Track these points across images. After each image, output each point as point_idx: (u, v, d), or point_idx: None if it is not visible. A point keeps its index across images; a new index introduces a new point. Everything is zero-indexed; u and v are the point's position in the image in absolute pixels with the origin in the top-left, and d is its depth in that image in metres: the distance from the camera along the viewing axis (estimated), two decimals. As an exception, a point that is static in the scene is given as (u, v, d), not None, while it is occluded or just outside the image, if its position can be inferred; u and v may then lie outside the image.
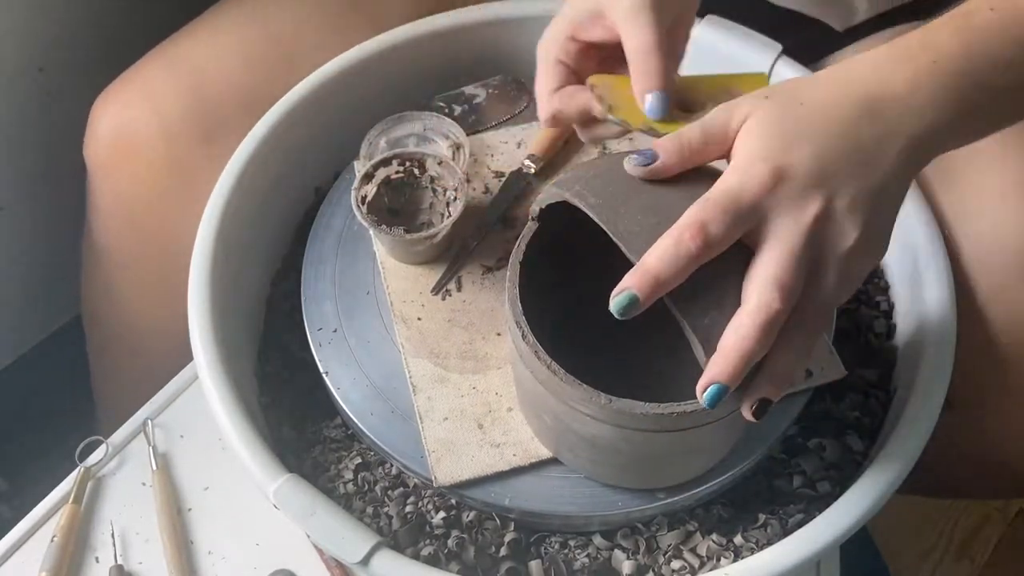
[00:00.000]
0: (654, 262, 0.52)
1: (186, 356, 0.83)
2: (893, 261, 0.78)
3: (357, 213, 0.71)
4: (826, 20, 0.85)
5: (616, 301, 0.52)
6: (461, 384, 0.69)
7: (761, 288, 0.52)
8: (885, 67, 0.55)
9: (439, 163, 0.73)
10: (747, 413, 0.55)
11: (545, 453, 0.66)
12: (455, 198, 0.73)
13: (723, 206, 0.52)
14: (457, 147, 0.77)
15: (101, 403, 1.07)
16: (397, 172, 0.73)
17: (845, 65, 0.56)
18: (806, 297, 0.53)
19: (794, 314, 0.53)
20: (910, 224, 0.75)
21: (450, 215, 0.72)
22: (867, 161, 0.54)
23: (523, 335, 0.59)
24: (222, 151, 0.82)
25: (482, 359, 0.70)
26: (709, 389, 0.52)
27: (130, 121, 0.84)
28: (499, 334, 0.71)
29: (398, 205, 0.73)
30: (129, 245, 0.90)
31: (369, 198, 0.72)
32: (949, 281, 0.72)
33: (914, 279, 0.74)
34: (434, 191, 0.74)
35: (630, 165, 0.56)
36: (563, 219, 0.59)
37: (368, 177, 0.73)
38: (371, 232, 0.73)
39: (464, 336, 0.71)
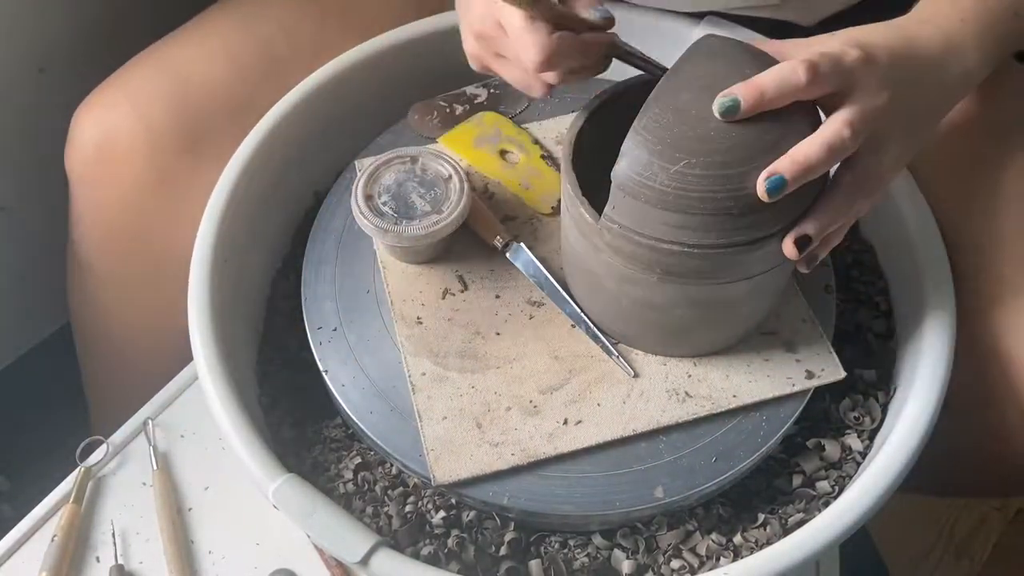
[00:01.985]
0: (765, 80, 0.59)
1: (174, 362, 0.84)
2: (893, 262, 0.79)
3: (357, 214, 0.71)
4: (794, 20, 0.85)
5: (720, 101, 0.59)
6: (460, 383, 0.69)
7: (835, 123, 0.60)
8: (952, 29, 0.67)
9: (441, 163, 0.73)
10: (789, 246, 0.62)
11: (543, 452, 0.66)
12: (457, 199, 0.72)
13: (831, 59, 0.60)
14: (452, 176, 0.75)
15: (95, 407, 1.07)
16: (398, 172, 0.73)
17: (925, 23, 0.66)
18: (863, 165, 0.62)
19: (853, 175, 0.62)
20: (910, 225, 0.75)
21: (451, 216, 0.72)
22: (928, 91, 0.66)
23: (581, 202, 0.64)
24: (208, 159, 0.81)
25: (482, 358, 0.70)
26: (770, 179, 0.59)
27: (114, 128, 0.82)
28: (498, 333, 0.71)
29: (399, 205, 0.73)
30: (112, 254, 0.89)
31: (370, 198, 0.72)
32: (948, 281, 0.73)
33: (913, 280, 0.74)
34: (435, 192, 0.74)
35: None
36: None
37: (369, 177, 0.73)
38: (385, 239, 0.73)
39: (464, 335, 0.71)
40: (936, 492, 1.02)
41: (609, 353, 0.70)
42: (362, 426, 0.69)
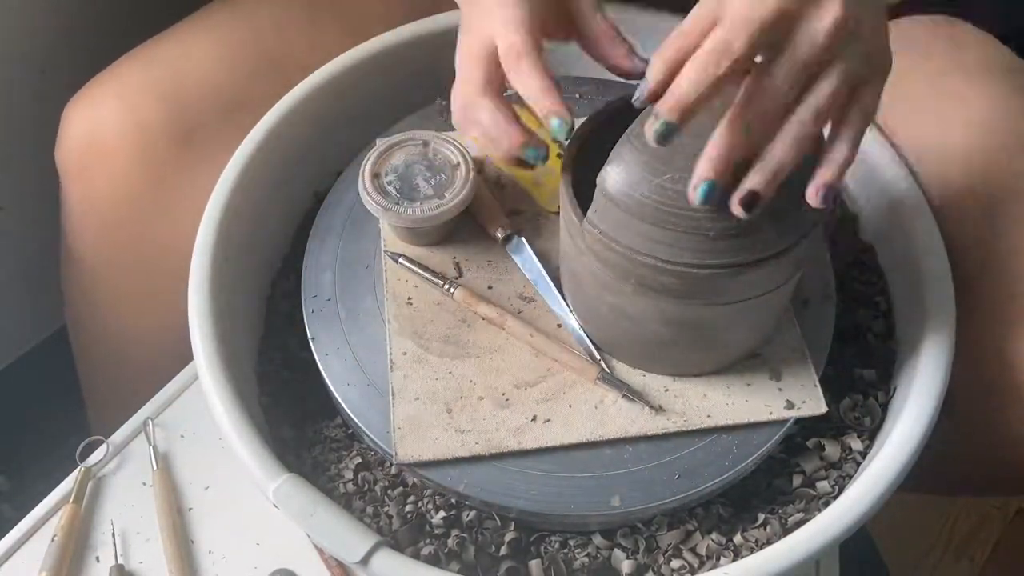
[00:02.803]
0: (683, 85, 0.54)
1: (170, 361, 0.83)
2: (893, 262, 0.79)
3: (361, 190, 0.72)
4: None
5: (654, 130, 0.55)
6: (439, 367, 0.70)
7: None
8: None
9: (451, 149, 0.74)
10: (735, 206, 0.57)
11: (507, 446, 0.66)
12: (461, 186, 0.72)
13: (745, 23, 0.54)
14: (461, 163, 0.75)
15: (92, 407, 1.06)
16: (408, 154, 0.74)
17: None
18: (812, 92, 0.55)
19: (795, 109, 0.56)
20: (910, 224, 0.75)
21: (452, 202, 0.71)
22: None
23: (575, 210, 0.63)
24: (200, 156, 0.81)
25: (463, 345, 0.70)
26: (699, 187, 0.56)
27: (105, 124, 0.82)
28: (484, 318, 0.71)
29: (403, 186, 0.73)
30: (104, 251, 0.88)
31: (377, 176, 0.73)
32: (948, 281, 0.73)
33: (913, 280, 0.74)
34: (441, 177, 0.73)
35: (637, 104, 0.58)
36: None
37: (380, 156, 0.73)
38: (384, 217, 0.73)
39: (450, 321, 0.72)
40: (938, 491, 1.02)
41: (593, 357, 0.70)
42: (338, 397, 0.70)
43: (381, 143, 0.74)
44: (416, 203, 0.72)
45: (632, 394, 0.68)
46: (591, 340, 0.70)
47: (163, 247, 0.85)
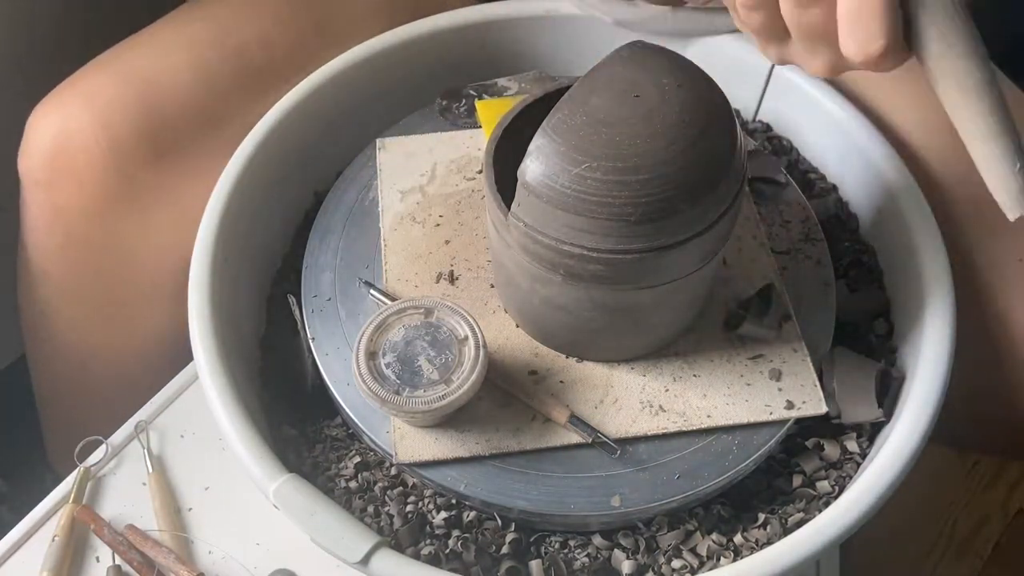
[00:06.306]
0: None
1: (135, 381, 0.82)
2: (892, 260, 0.79)
3: (355, 374, 0.65)
4: None
5: None
6: None
7: None
8: None
9: (458, 320, 0.66)
10: None
11: (507, 446, 0.67)
12: (471, 367, 0.65)
13: None
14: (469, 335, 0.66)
15: (48, 433, 1.02)
16: (408, 328, 0.66)
17: None
18: None
19: None
20: (910, 225, 0.75)
21: (461, 388, 0.64)
22: None
23: (497, 202, 0.63)
24: (174, 169, 0.79)
25: None
26: None
27: (75, 134, 0.78)
28: (484, 322, 0.71)
29: (403, 369, 0.65)
30: (69, 266, 0.85)
31: (373, 356, 0.65)
32: (948, 280, 0.73)
33: (913, 279, 0.74)
34: (447, 356, 0.65)
35: None
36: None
37: (376, 328, 0.66)
38: (383, 409, 0.65)
39: None
40: (957, 445, 1.00)
41: None
42: (338, 397, 0.70)
43: (377, 314, 0.67)
44: (419, 390, 0.64)
45: (598, 441, 0.67)
46: (529, 334, 0.70)
47: (132, 262, 0.83)
